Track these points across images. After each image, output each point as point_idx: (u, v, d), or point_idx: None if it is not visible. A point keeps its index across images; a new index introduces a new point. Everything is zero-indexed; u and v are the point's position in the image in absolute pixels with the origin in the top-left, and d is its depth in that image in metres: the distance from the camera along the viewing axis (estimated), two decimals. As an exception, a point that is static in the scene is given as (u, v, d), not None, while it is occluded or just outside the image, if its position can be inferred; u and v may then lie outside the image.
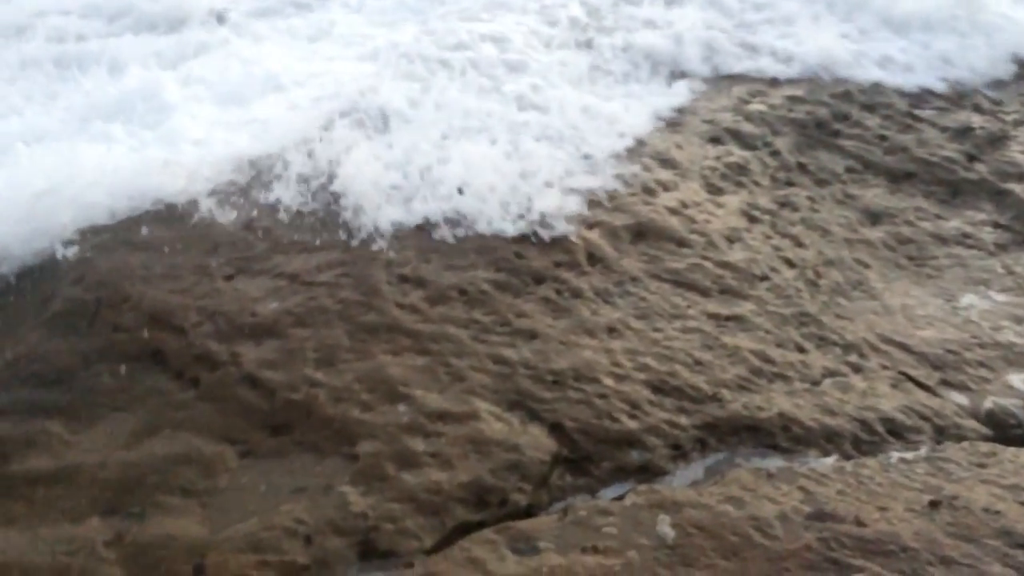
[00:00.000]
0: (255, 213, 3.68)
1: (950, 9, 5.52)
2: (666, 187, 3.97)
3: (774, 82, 4.99)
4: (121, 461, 2.60)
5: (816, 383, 3.04)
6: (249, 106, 4.44)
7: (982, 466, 2.71)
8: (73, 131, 4.11)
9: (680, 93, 4.83)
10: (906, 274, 3.69)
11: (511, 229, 3.59)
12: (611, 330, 3.16)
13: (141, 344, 2.99)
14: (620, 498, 2.58)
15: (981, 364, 3.16)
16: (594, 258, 3.50)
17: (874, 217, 4.02)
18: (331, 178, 3.84)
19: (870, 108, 4.77)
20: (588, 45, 5.26)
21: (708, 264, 3.53)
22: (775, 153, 4.35)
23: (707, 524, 2.44)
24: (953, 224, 3.99)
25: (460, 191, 3.78)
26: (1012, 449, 2.80)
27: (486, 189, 3.77)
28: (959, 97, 4.93)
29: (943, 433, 2.88)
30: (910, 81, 5.01)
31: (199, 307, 3.13)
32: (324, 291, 3.23)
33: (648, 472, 2.69)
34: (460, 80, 4.68)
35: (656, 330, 3.18)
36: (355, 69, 4.82)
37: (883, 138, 4.54)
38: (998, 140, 4.54)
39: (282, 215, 3.68)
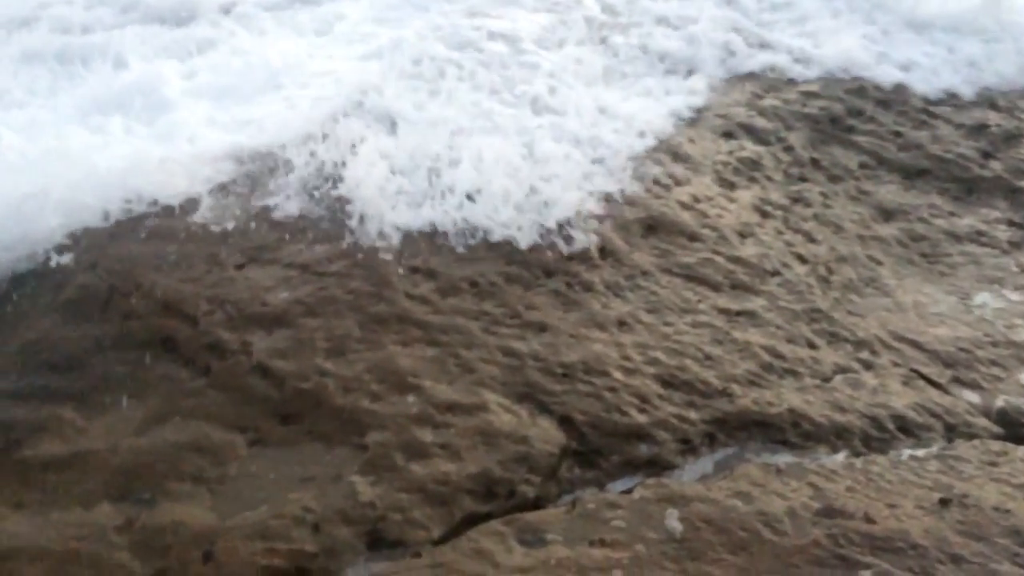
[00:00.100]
0: (252, 223, 3.53)
1: (976, 11, 5.36)
2: (678, 181, 3.95)
3: (790, 80, 4.92)
4: (132, 447, 2.61)
5: (827, 379, 3.03)
6: (251, 104, 4.33)
7: (993, 464, 2.70)
8: (70, 127, 3.98)
9: (698, 92, 4.71)
10: (919, 271, 3.67)
11: (526, 240, 3.48)
12: (621, 324, 3.16)
13: (153, 332, 3.00)
14: (628, 491, 2.58)
15: (993, 362, 3.15)
16: (605, 252, 3.49)
17: (887, 214, 4.00)
18: (335, 182, 3.72)
19: (885, 104, 4.74)
20: (603, 43, 5.11)
21: (719, 259, 3.51)
22: (788, 148, 4.33)
23: (715, 519, 2.44)
24: (967, 222, 3.97)
25: (470, 198, 3.65)
26: (1023, 448, 2.78)
27: (499, 196, 3.64)
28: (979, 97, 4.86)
29: (954, 431, 2.86)
30: (934, 86, 4.87)
31: (210, 295, 3.14)
32: (334, 281, 3.23)
33: (657, 466, 2.68)
34: (469, 81, 4.53)
35: (666, 324, 3.18)
36: (360, 67, 4.67)
37: (898, 134, 4.51)
38: (1014, 138, 4.50)
39: (283, 221, 3.55)
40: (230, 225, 3.50)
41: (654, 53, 5.05)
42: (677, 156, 4.12)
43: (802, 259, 3.61)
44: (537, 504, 2.54)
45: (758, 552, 2.35)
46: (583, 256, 3.45)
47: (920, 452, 2.77)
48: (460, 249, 3.43)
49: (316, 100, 4.30)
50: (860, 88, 4.83)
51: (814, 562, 2.32)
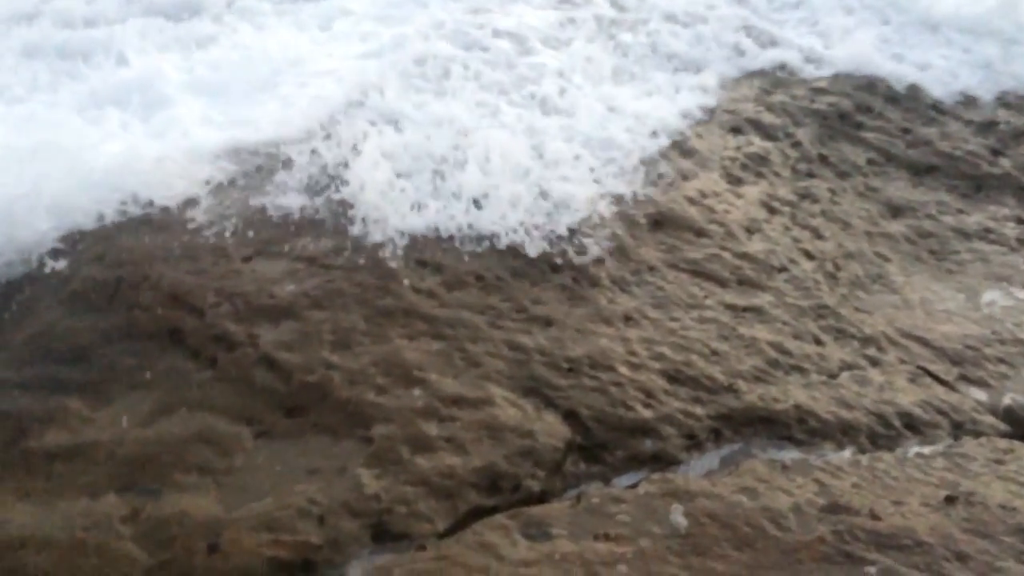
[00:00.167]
0: (249, 225, 3.44)
1: (993, 12, 5.28)
2: (685, 176, 3.94)
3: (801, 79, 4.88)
4: (138, 438, 2.62)
5: (833, 376, 3.02)
6: (251, 101, 4.24)
7: (999, 462, 2.69)
8: (67, 123, 3.86)
9: (710, 90, 4.66)
10: (927, 268, 3.66)
11: (535, 249, 3.39)
12: (627, 319, 3.15)
13: (159, 323, 3.01)
14: (633, 486, 2.58)
15: (1001, 360, 3.14)
16: (613, 249, 3.48)
17: (895, 210, 3.99)
18: (337, 186, 3.63)
19: (894, 100, 4.72)
20: (612, 40, 5.03)
21: (726, 254, 3.51)
22: (796, 144, 4.31)
23: (720, 514, 2.44)
24: (976, 219, 3.95)
25: (477, 204, 3.55)
26: (1030, 446, 2.78)
27: (507, 200, 3.55)
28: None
29: (960, 428, 2.86)
30: (951, 88, 4.81)
31: (217, 288, 3.14)
32: (341, 274, 3.24)
33: (662, 461, 2.68)
34: (475, 80, 4.43)
35: (673, 320, 3.17)
36: (362, 66, 4.56)
37: (906, 131, 4.50)
38: (1023, 135, 4.48)
39: (281, 223, 3.47)
40: (227, 226, 3.43)
41: (664, 51, 4.99)
42: (684, 151, 4.12)
43: (809, 255, 3.60)
44: (542, 498, 2.54)
45: (763, 548, 2.34)
46: (583, 233, 3.45)
47: (926, 449, 2.76)
48: (466, 258, 3.36)
49: (317, 98, 4.22)
50: (869, 84, 4.82)
51: (819, 558, 2.32)
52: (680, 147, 4.13)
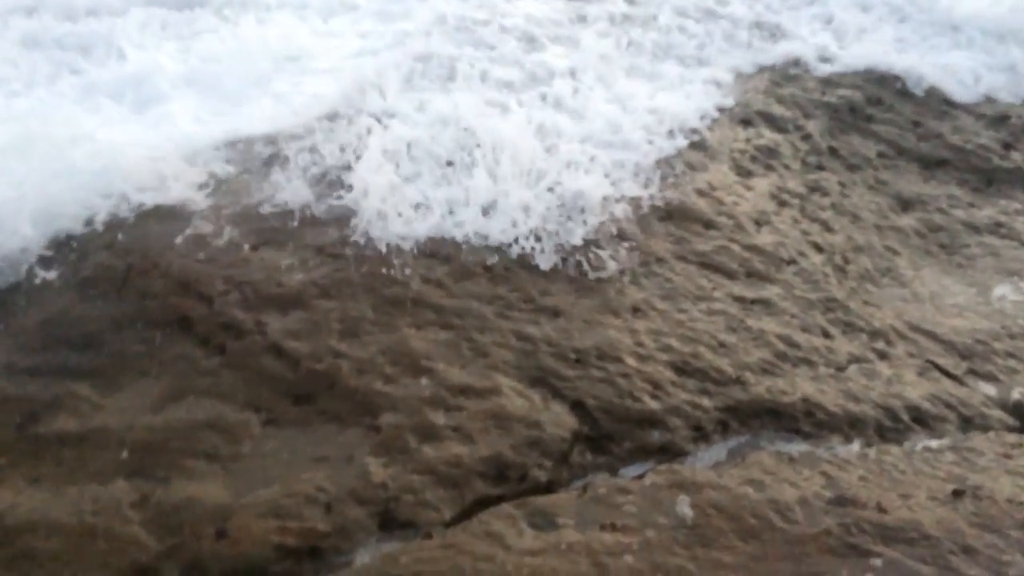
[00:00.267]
0: (245, 227, 3.32)
1: (1019, 13, 5.10)
2: (695, 168, 3.93)
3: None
4: (147, 425, 2.63)
5: (841, 369, 3.01)
6: (249, 97, 4.11)
7: (1008, 457, 2.69)
8: (57, 120, 3.69)
9: (724, 85, 4.55)
10: (937, 262, 3.65)
11: (547, 263, 3.27)
12: (635, 310, 3.15)
13: (169, 311, 3.02)
14: (640, 477, 2.58)
15: (1011, 355, 3.12)
16: (622, 236, 3.48)
17: (906, 204, 3.97)
18: (338, 191, 3.50)
19: (904, 93, 4.69)
20: (624, 37, 4.87)
21: (735, 247, 3.50)
22: (806, 137, 4.29)
23: (726, 506, 2.44)
24: (986, 213, 3.93)
25: (486, 212, 3.42)
26: (1039, 441, 2.77)
27: (518, 208, 3.42)
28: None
29: (969, 423, 2.85)
30: (974, 91, 4.68)
31: (226, 276, 3.15)
32: (349, 263, 3.24)
33: (669, 452, 2.68)
34: (480, 79, 4.28)
35: (681, 311, 3.17)
36: (364, 62, 4.39)
37: (917, 124, 4.47)
38: (1035, 129, 4.46)
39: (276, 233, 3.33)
40: (222, 225, 3.36)
41: (676, 47, 4.87)
42: (693, 143, 4.10)
43: (818, 248, 3.59)
44: (549, 488, 2.55)
45: (769, 540, 2.35)
46: (598, 244, 3.40)
47: (934, 443, 2.76)
48: (477, 270, 3.25)
49: (317, 95, 4.09)
50: (880, 77, 4.78)
51: (825, 551, 2.31)
52: (692, 141, 4.09)
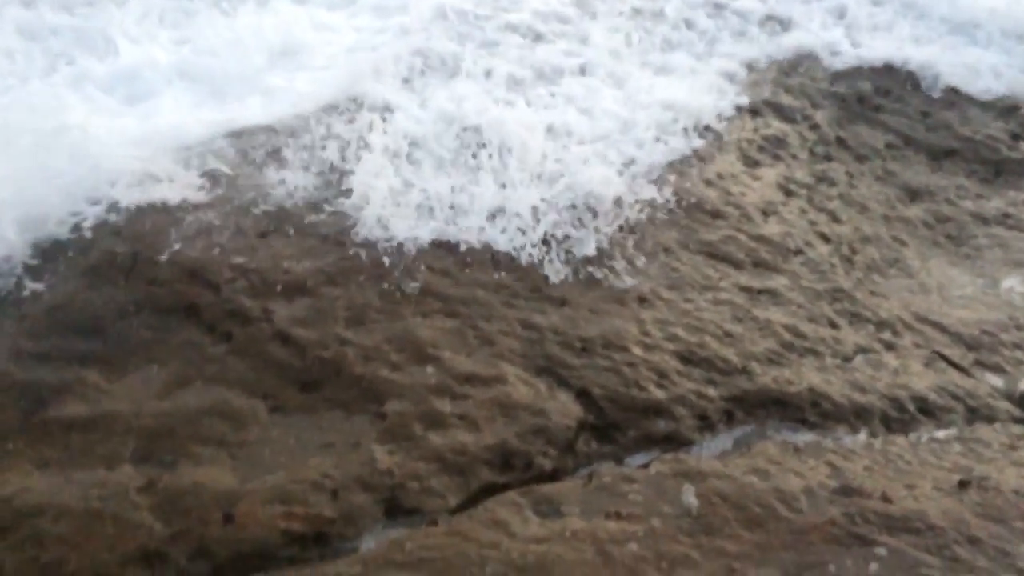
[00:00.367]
0: (240, 229, 3.25)
1: None
2: (702, 159, 3.92)
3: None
4: (154, 411, 2.64)
5: (848, 359, 3.01)
6: (244, 91, 4.01)
7: (1014, 448, 2.68)
8: (59, 113, 3.59)
9: (737, 79, 4.49)
10: (944, 253, 3.64)
11: (556, 275, 3.19)
12: (641, 299, 3.15)
13: (176, 298, 3.02)
14: (645, 466, 2.58)
15: (1018, 346, 3.12)
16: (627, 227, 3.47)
17: (913, 194, 3.95)
18: (339, 195, 3.44)
19: (913, 84, 4.67)
20: (633, 32, 4.76)
21: (742, 236, 3.49)
22: (814, 127, 4.28)
23: (731, 495, 2.44)
24: (995, 204, 3.92)
25: (492, 217, 3.33)
26: (1045, 432, 2.77)
27: (527, 213, 3.34)
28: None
29: (975, 414, 2.85)
30: (993, 91, 4.58)
31: (233, 263, 3.15)
32: (355, 251, 3.24)
33: (674, 442, 2.69)
34: (484, 77, 4.17)
35: (687, 301, 3.16)
36: (364, 57, 4.26)
37: (925, 114, 4.45)
38: (1045, 120, 4.43)
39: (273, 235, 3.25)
40: (227, 215, 3.33)
41: (687, 42, 4.77)
42: (700, 132, 4.08)
43: (825, 239, 3.58)
44: (554, 476, 2.56)
45: (774, 529, 2.35)
46: (611, 255, 3.30)
47: (940, 434, 2.75)
48: (483, 277, 3.18)
49: (317, 93, 3.99)
50: (888, 67, 4.75)
51: (830, 540, 2.32)
52: (696, 128, 4.08)
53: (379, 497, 2.43)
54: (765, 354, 2.97)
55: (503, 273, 3.20)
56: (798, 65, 4.75)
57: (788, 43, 4.86)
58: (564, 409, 2.71)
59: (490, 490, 2.49)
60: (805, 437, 2.73)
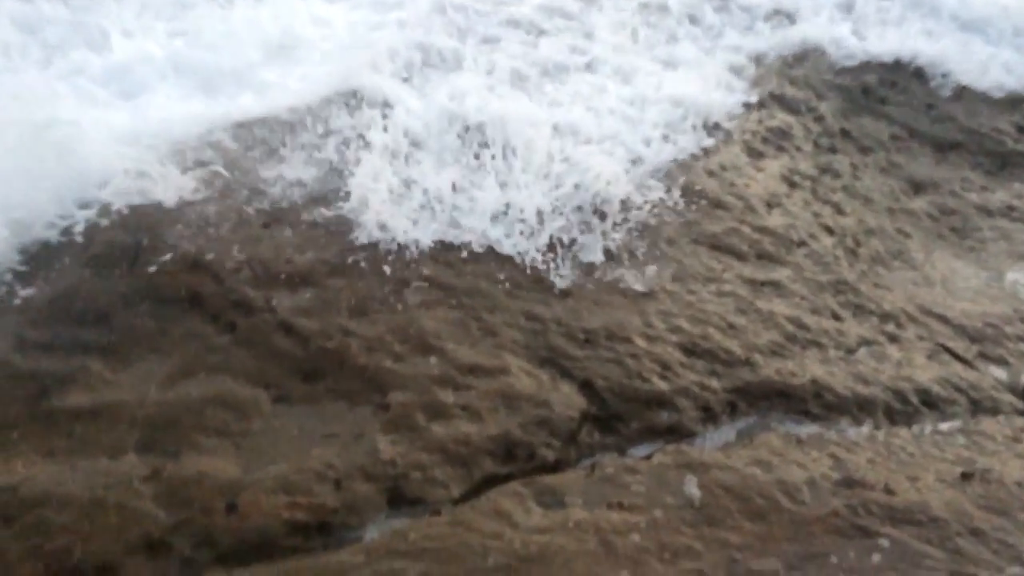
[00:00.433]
0: (236, 229, 3.21)
1: None
2: (706, 149, 3.91)
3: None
4: (158, 400, 2.64)
5: (851, 351, 3.01)
6: (241, 86, 3.96)
7: (1017, 440, 2.68)
8: (38, 114, 3.46)
9: (744, 74, 4.46)
10: (948, 245, 3.63)
11: (562, 282, 3.13)
12: (645, 291, 3.14)
13: (179, 288, 3.02)
14: (648, 457, 2.59)
15: (1021, 339, 3.12)
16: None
17: (918, 187, 3.94)
18: (338, 197, 3.39)
19: (918, 76, 4.65)
20: (639, 28, 4.70)
21: (746, 228, 3.48)
22: (819, 118, 4.27)
23: (734, 486, 2.44)
24: (999, 196, 3.91)
25: (495, 218, 3.31)
26: (1049, 425, 2.77)
27: (532, 216, 3.30)
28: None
29: (978, 406, 2.84)
30: (1005, 88, 4.54)
31: (236, 254, 3.15)
32: (358, 243, 3.23)
33: (677, 433, 2.69)
34: (486, 74, 4.10)
35: (690, 292, 3.16)
36: (363, 53, 4.18)
37: (930, 106, 4.43)
38: (1051, 112, 4.42)
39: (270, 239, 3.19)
40: (229, 205, 3.32)
41: (693, 36, 4.72)
42: (704, 124, 4.07)
43: (829, 230, 3.57)
44: (556, 467, 2.56)
45: (776, 520, 2.35)
46: (620, 260, 3.28)
47: (944, 426, 2.75)
48: (485, 284, 3.13)
49: (314, 88, 3.94)
50: (896, 64, 4.72)
51: (832, 531, 2.32)
52: (712, 132, 4.02)
53: (382, 487, 2.44)
54: (768, 346, 2.97)
55: (506, 275, 3.16)
56: (804, 58, 4.73)
57: (794, 37, 4.82)
58: (567, 400, 2.72)
59: (493, 481, 2.49)
60: (808, 429, 2.73)
